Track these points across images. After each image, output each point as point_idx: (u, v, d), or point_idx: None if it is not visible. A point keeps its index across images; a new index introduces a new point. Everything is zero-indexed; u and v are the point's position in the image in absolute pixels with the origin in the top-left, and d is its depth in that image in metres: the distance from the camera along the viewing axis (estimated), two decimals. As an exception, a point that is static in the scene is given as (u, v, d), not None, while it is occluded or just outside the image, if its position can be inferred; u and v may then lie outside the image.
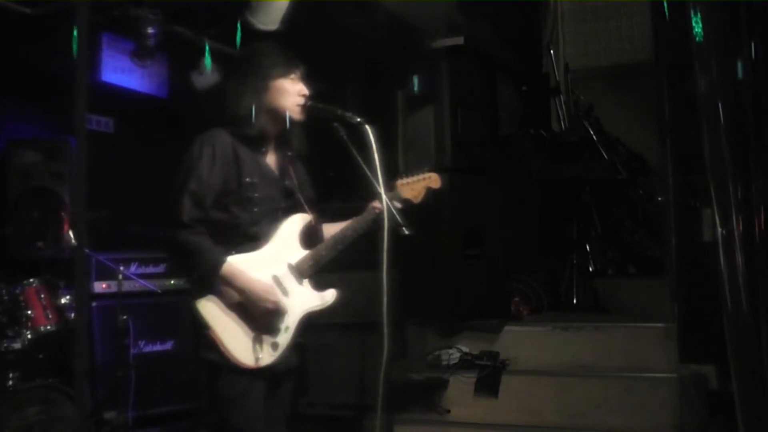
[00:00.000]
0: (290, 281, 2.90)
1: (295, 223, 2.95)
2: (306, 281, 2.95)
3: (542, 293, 5.57)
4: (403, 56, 5.21)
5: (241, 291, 2.77)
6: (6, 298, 4.11)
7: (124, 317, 4.46)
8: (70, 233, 4.44)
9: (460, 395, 4.65)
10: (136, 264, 4.86)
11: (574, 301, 5.68)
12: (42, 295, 4.21)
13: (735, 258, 3.30)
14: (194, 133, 2.91)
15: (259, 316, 2.79)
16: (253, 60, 3.03)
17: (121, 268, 4.56)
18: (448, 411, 4.62)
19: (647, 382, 4.35)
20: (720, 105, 3.39)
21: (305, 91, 2.96)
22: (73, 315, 4.25)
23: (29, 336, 4.10)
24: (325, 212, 3.16)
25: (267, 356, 2.80)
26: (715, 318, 3.44)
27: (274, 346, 2.83)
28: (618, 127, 6.37)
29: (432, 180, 3.15)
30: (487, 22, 5.81)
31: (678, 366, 4.29)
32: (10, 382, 3.97)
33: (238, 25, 4.42)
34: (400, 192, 3.07)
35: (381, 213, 2.88)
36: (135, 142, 5.50)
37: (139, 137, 5.54)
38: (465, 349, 4.86)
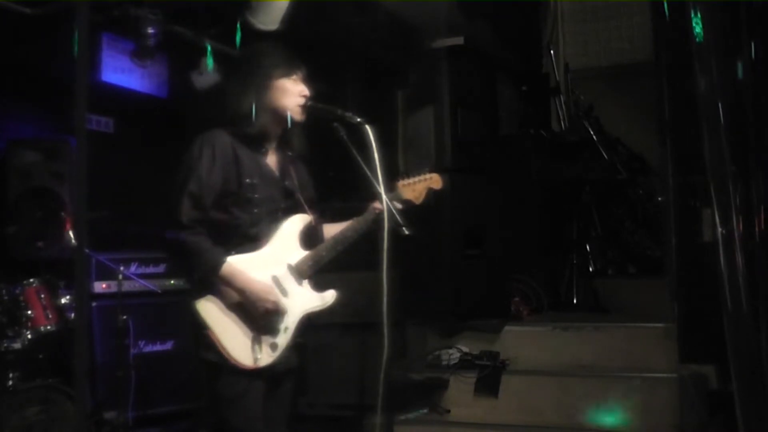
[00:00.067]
0: (290, 282, 2.90)
1: (295, 224, 2.95)
2: (306, 282, 2.95)
3: (542, 293, 5.57)
4: (403, 56, 5.21)
5: (241, 291, 2.77)
6: (6, 298, 4.11)
7: (124, 317, 4.46)
8: (70, 233, 4.44)
9: (460, 395, 4.65)
10: (136, 264, 4.86)
11: (574, 301, 5.68)
12: (42, 295, 4.21)
13: (735, 258, 3.30)
14: (194, 133, 2.91)
15: (259, 316, 2.79)
16: (255, 59, 3.03)
17: (121, 268, 4.57)
18: (448, 411, 4.62)
19: (647, 382, 4.35)
20: (720, 105, 3.38)
21: (306, 92, 2.96)
22: (73, 315, 4.25)
23: (29, 336, 4.10)
24: (325, 212, 3.17)
25: (266, 357, 2.80)
26: (715, 318, 3.44)
27: (273, 346, 2.83)
28: (618, 127, 6.36)
29: (433, 181, 3.15)
30: (487, 22, 5.80)
31: (678, 366, 4.29)
32: (10, 382, 3.98)
33: (238, 25, 4.42)
34: (401, 193, 3.07)
35: (381, 213, 2.88)
36: (135, 142, 5.50)
37: (139, 137, 5.54)
38: (465, 349, 4.86)
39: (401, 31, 5.05)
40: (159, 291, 4.79)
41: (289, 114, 2.92)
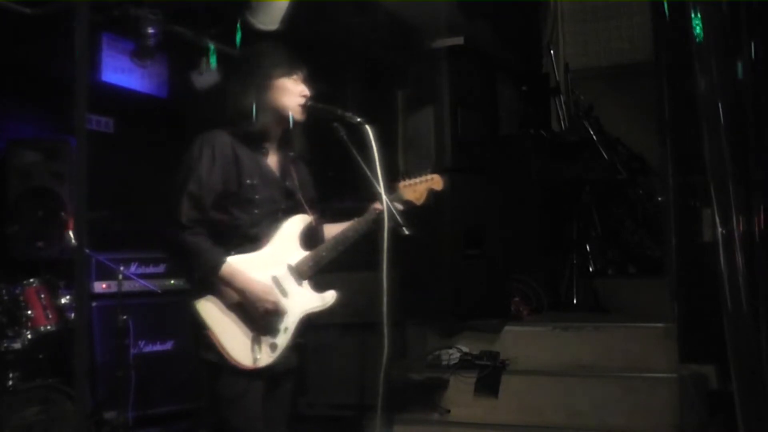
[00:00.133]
0: (290, 282, 2.90)
1: (295, 224, 2.95)
2: (306, 282, 2.95)
3: (542, 293, 5.57)
4: (403, 56, 5.21)
5: (241, 291, 2.77)
6: (6, 298, 4.11)
7: (124, 317, 4.46)
8: (70, 233, 4.44)
9: (460, 395, 4.65)
10: (136, 264, 4.86)
11: (574, 301, 5.68)
12: (42, 295, 4.21)
13: (735, 258, 3.30)
14: (194, 133, 2.90)
15: (258, 316, 2.79)
16: (255, 59, 3.03)
17: (121, 268, 4.57)
18: (448, 411, 4.62)
19: (647, 382, 4.35)
20: (720, 105, 3.39)
21: (307, 92, 2.96)
22: (73, 315, 4.25)
23: (29, 336, 4.10)
24: (325, 213, 3.16)
25: (265, 357, 2.80)
26: (715, 318, 3.43)
27: (273, 346, 2.83)
28: (618, 127, 6.37)
29: (434, 182, 3.15)
30: (487, 22, 5.80)
31: (678, 366, 4.29)
32: (10, 382, 3.98)
33: (238, 25, 4.42)
34: (402, 193, 3.07)
35: (382, 213, 2.88)
36: (135, 142, 5.50)
37: (139, 137, 5.54)
38: (465, 349, 4.86)
39: (401, 31, 5.05)
40: (159, 291, 4.79)
41: (290, 114, 2.92)
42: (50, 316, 4.20)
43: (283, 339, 2.85)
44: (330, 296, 2.98)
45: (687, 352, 4.24)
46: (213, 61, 4.82)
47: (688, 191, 4.26)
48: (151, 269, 4.93)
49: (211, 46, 4.84)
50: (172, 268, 4.93)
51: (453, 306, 5.01)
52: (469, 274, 5.11)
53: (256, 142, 2.92)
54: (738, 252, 3.30)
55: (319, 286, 2.98)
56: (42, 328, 4.16)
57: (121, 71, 5.26)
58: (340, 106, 2.96)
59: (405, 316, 4.66)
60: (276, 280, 2.86)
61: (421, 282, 4.86)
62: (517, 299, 5.38)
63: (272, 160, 2.98)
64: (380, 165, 2.82)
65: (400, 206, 2.99)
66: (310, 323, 2.96)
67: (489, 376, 4.62)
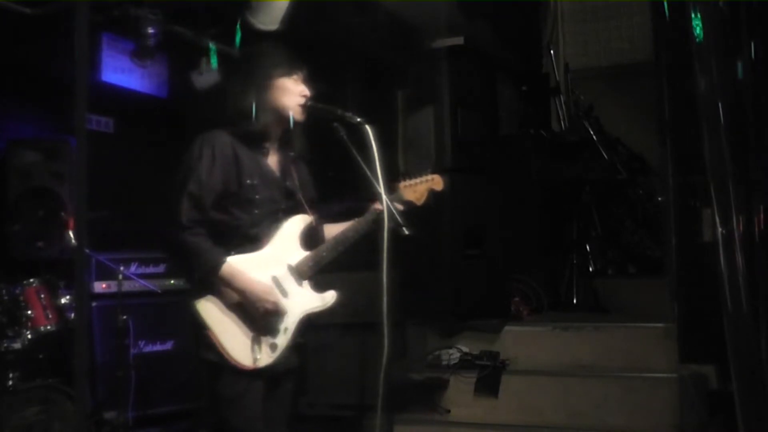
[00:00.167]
0: (290, 282, 2.90)
1: (295, 224, 2.95)
2: (306, 282, 2.95)
3: (542, 293, 5.57)
4: (403, 56, 5.21)
5: (241, 292, 2.77)
6: (6, 298, 4.11)
7: (124, 317, 4.46)
8: (70, 233, 4.44)
9: (460, 395, 4.65)
10: (136, 264, 4.86)
11: (574, 301, 5.68)
12: (42, 295, 4.21)
13: (735, 258, 3.30)
14: (194, 133, 2.90)
15: (259, 316, 2.79)
16: (255, 59, 3.03)
17: (121, 268, 4.57)
18: (448, 411, 4.62)
19: (647, 382, 4.35)
20: (720, 105, 3.38)
21: (307, 92, 2.96)
22: (73, 315, 4.25)
23: (29, 336, 4.10)
24: (326, 213, 3.16)
25: (265, 357, 2.80)
26: (715, 318, 3.43)
27: (273, 347, 2.83)
28: (618, 127, 6.37)
29: (435, 182, 3.15)
30: (487, 22, 5.80)
31: (678, 366, 4.29)
32: (10, 382, 3.97)
33: (238, 25, 4.42)
34: (402, 194, 3.07)
35: (382, 213, 2.88)
36: (135, 142, 5.50)
37: (139, 137, 5.54)
38: (465, 349, 4.86)
39: (401, 31, 5.05)
40: (159, 291, 4.78)
41: (290, 114, 2.92)
42: (50, 316, 4.20)
43: (283, 339, 2.85)
44: (330, 296, 2.98)
45: (687, 352, 4.24)
46: (213, 61, 4.82)
47: (688, 191, 4.25)
48: (151, 269, 4.93)
49: (212, 46, 4.84)
50: (172, 268, 4.93)
51: (453, 306, 5.01)
52: (469, 274, 5.11)
53: (256, 142, 2.93)
54: (738, 252, 3.29)
55: (320, 286, 2.98)
56: (42, 328, 4.16)
57: (121, 71, 5.25)
58: (340, 106, 2.96)
59: (405, 316, 4.66)
60: (276, 280, 2.86)
61: (421, 282, 4.86)
62: (517, 299, 5.38)
63: (272, 160, 2.98)
64: (380, 165, 2.82)
65: (400, 206, 2.99)
66: (311, 323, 2.96)
67: (489, 376, 4.62)
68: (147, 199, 3.94)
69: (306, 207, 3.00)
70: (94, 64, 5.06)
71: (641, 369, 4.47)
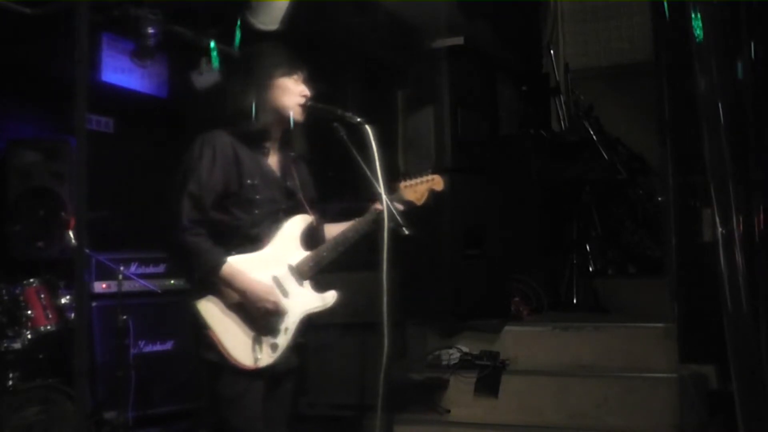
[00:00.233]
0: (290, 282, 2.90)
1: (296, 224, 2.95)
2: (306, 282, 2.95)
3: (542, 293, 5.58)
4: (403, 56, 5.21)
5: (241, 292, 2.77)
6: (6, 298, 4.11)
7: (124, 317, 4.46)
8: (70, 233, 4.44)
9: (460, 395, 4.65)
10: (136, 264, 4.86)
11: (574, 301, 5.69)
12: (42, 295, 4.21)
13: (735, 258, 3.30)
14: (194, 133, 2.90)
15: (259, 316, 2.79)
16: (256, 59, 3.03)
17: (121, 268, 4.56)
18: (448, 411, 4.62)
19: (647, 382, 4.35)
20: (720, 105, 3.38)
21: (307, 92, 2.96)
22: (73, 315, 4.25)
23: (29, 336, 4.10)
24: (326, 213, 3.16)
25: (266, 357, 2.80)
26: (715, 318, 3.43)
27: (274, 347, 2.83)
28: (618, 127, 6.37)
29: (435, 182, 3.15)
30: (487, 22, 5.80)
31: (678, 366, 4.29)
32: (10, 382, 3.97)
33: (238, 25, 4.42)
34: (403, 194, 3.07)
35: (382, 213, 2.88)
36: (135, 142, 5.50)
37: (139, 137, 5.54)
38: (465, 349, 4.86)
39: (401, 31, 5.05)
40: (159, 291, 4.78)
41: (290, 114, 2.92)
42: (50, 316, 4.20)
43: (283, 339, 2.85)
44: (330, 296, 2.98)
45: (687, 352, 4.24)
46: (214, 61, 4.82)
47: (688, 191, 4.26)
48: (151, 269, 4.92)
49: (212, 46, 4.84)
50: (172, 268, 4.92)
51: (453, 306, 5.02)
52: (469, 274, 5.11)
53: (256, 142, 2.92)
54: (738, 252, 3.30)
55: (320, 286, 2.98)
56: (42, 328, 4.16)
57: (121, 71, 5.25)
58: (340, 106, 2.96)
59: (405, 316, 4.66)
60: (277, 280, 2.86)
61: (421, 282, 4.87)
62: (517, 299, 5.39)
63: (273, 160, 2.98)
64: (380, 165, 2.81)
65: (400, 206, 2.99)
66: (311, 323, 2.96)
67: (489, 376, 4.62)
68: (147, 199, 3.94)
69: (306, 207, 3.00)
70: (94, 64, 5.06)
71: (641, 369, 4.47)
